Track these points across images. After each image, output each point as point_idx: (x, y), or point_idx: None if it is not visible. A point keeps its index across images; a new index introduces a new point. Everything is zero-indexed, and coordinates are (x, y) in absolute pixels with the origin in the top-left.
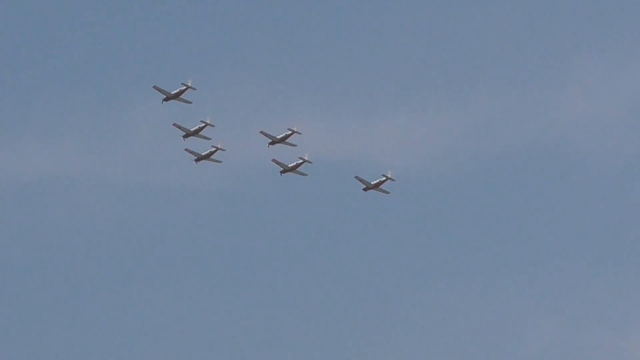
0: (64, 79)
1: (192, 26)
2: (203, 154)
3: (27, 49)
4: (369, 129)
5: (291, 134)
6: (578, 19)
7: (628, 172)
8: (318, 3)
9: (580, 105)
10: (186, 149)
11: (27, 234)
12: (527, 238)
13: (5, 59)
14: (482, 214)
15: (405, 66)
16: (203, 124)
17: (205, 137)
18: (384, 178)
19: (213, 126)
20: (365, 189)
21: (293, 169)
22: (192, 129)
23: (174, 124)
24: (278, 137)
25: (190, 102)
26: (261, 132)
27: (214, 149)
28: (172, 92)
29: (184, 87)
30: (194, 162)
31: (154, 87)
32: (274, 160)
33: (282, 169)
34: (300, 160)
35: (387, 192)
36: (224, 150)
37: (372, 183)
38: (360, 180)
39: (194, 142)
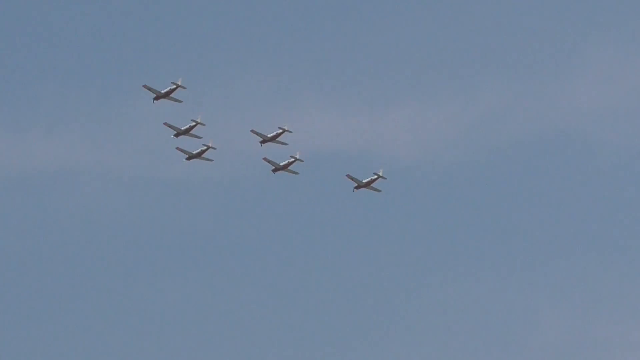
0: (69, 72)
1: (192, 23)
2: (194, 152)
3: (31, 41)
4: (377, 120)
5: (282, 133)
6: (589, 6)
7: None
8: None
9: (591, 94)
10: (177, 148)
11: (32, 227)
12: (537, 229)
13: (11, 53)
14: (492, 205)
15: (414, 56)
16: (194, 123)
17: (196, 136)
18: (376, 176)
19: (204, 125)
20: (356, 188)
21: (284, 167)
22: (182, 128)
23: (165, 123)
24: (269, 135)
25: (180, 101)
26: (252, 131)
27: (205, 147)
28: (162, 91)
29: (174, 86)
30: (185, 161)
31: (144, 86)
32: (265, 158)
33: (273, 167)
34: (292, 159)
35: (379, 191)
36: (215, 148)
37: (364, 181)
38: (352, 178)
39: (185, 141)
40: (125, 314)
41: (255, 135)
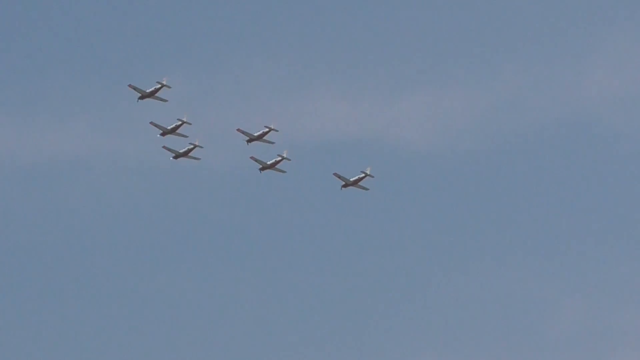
0: (77, 60)
1: (202, 12)
2: (181, 151)
3: (39, 31)
4: (391, 108)
5: (268, 132)
6: None
7: None
8: None
9: (609, 80)
10: (164, 147)
11: (40, 216)
12: (555, 216)
13: (19, 43)
14: (508, 193)
15: (428, 42)
16: (180, 122)
17: (182, 135)
18: (363, 175)
19: (190, 124)
20: (344, 186)
21: (272, 166)
22: (169, 127)
23: (151, 123)
24: (255, 134)
25: (166, 100)
26: (238, 130)
27: (191, 146)
28: (147, 91)
29: (159, 86)
30: (172, 160)
31: (129, 85)
32: (252, 157)
33: (260, 166)
34: (279, 158)
35: (367, 189)
36: (202, 147)
37: (351, 180)
38: (339, 177)
39: (171, 140)
40: (127, 303)
41: (242, 135)
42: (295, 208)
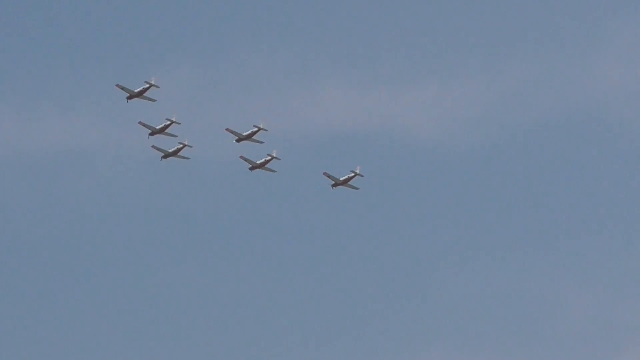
0: (83, 50)
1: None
2: (170, 150)
3: (44, 20)
4: (398, 99)
5: (257, 131)
6: None
7: None
8: None
9: (616, 73)
10: (153, 146)
11: (45, 206)
12: (562, 209)
13: (24, 32)
14: (516, 185)
15: (437, 33)
16: (169, 122)
17: (171, 135)
18: (353, 174)
19: (179, 124)
20: (334, 185)
21: (262, 165)
22: (157, 127)
23: (140, 122)
24: (244, 134)
25: (154, 100)
26: (227, 130)
27: (181, 145)
28: (136, 90)
29: (147, 85)
30: (161, 160)
31: (117, 85)
32: (242, 157)
33: (250, 165)
34: (269, 157)
35: (357, 188)
36: (191, 146)
37: (341, 179)
38: (329, 176)
39: (160, 140)
40: (130, 293)
41: (231, 134)
42: (303, 201)
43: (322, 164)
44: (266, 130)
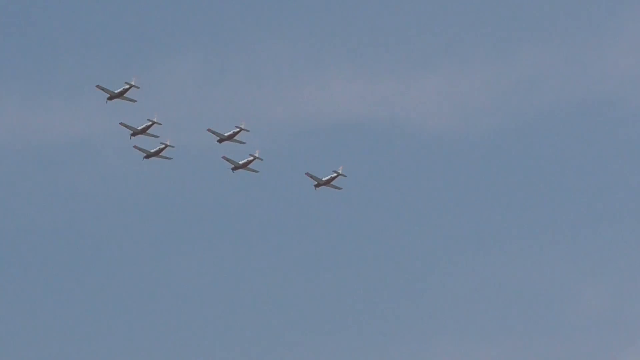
0: (89, 40)
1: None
2: (152, 150)
3: (51, 8)
4: (407, 88)
5: (239, 132)
6: None
7: None
8: None
9: (629, 60)
10: (135, 146)
11: (52, 197)
12: (574, 200)
13: (30, 21)
14: (526, 175)
15: (447, 20)
16: (150, 123)
17: (153, 135)
18: (335, 174)
19: (160, 124)
20: (316, 186)
21: (244, 165)
22: (139, 128)
23: (121, 123)
24: (226, 134)
25: (134, 101)
26: (209, 130)
27: (163, 145)
28: (116, 91)
29: (127, 86)
30: (143, 159)
31: (97, 86)
32: (224, 157)
33: (232, 166)
34: (251, 157)
35: (340, 188)
36: (173, 147)
37: (324, 179)
38: (311, 176)
39: (142, 141)
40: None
41: (212, 135)
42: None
43: (329, 154)
44: (247, 130)
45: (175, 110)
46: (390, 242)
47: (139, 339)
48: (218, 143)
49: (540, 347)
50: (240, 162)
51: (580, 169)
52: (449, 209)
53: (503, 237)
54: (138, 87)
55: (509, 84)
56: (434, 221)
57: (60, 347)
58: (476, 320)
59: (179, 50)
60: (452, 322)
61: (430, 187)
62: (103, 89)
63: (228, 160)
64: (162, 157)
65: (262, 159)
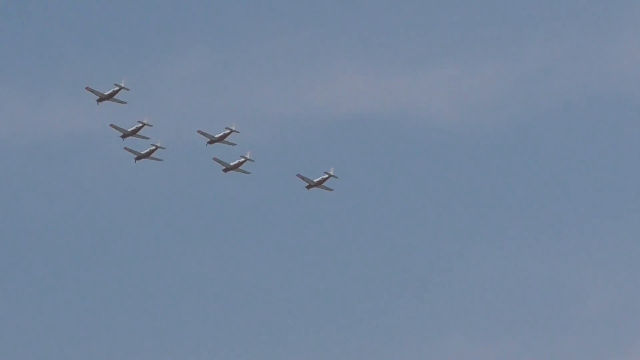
0: (94, 34)
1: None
2: (143, 152)
3: (54, 2)
4: (416, 81)
5: (229, 133)
6: None
7: None
8: None
9: (638, 54)
10: (125, 148)
11: (53, 191)
12: (583, 192)
13: (34, 16)
14: (535, 168)
15: (456, 12)
16: (140, 124)
17: (143, 137)
18: (327, 175)
19: (151, 126)
20: (308, 187)
21: (235, 167)
22: (129, 129)
23: (111, 125)
24: (216, 136)
25: (124, 103)
26: (199, 132)
27: (153, 147)
28: (105, 93)
29: (117, 88)
30: (134, 161)
31: (87, 88)
32: (215, 158)
33: (224, 167)
34: (242, 159)
35: (331, 190)
36: (164, 148)
37: (315, 181)
38: (303, 178)
39: (133, 142)
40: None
41: (202, 136)
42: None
43: (337, 148)
44: (238, 132)
45: (170, 110)
46: (397, 237)
47: (132, 336)
48: (209, 145)
49: (546, 344)
50: (231, 164)
51: (588, 164)
52: (455, 203)
53: (509, 232)
54: (128, 89)
55: (517, 77)
56: (439, 216)
57: (51, 344)
58: (482, 318)
59: (183, 45)
60: (457, 318)
61: (437, 182)
62: (92, 91)
63: (219, 161)
64: (152, 158)
65: (253, 160)
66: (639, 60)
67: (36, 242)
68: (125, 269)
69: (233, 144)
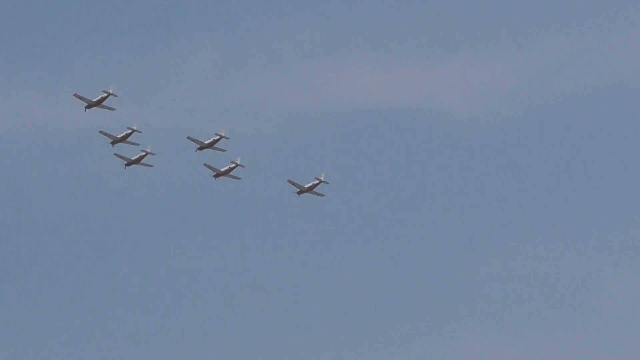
0: (100, 30)
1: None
2: (133, 158)
3: (61, 3)
4: (430, 74)
5: (219, 139)
6: None
7: None
8: None
9: None
10: (115, 154)
11: (61, 186)
12: (601, 186)
13: (45, 12)
14: (552, 161)
15: (469, 6)
16: (130, 131)
17: (133, 143)
18: (317, 181)
19: (140, 132)
20: (299, 193)
21: (225, 173)
22: (119, 136)
23: (101, 132)
24: (206, 142)
25: (113, 109)
26: (188, 138)
27: (143, 153)
28: (94, 100)
29: (105, 94)
30: (125, 167)
31: (75, 95)
32: (205, 164)
33: (214, 173)
34: (233, 165)
35: (322, 195)
36: (154, 154)
37: (305, 186)
38: (293, 183)
39: (123, 149)
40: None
41: (192, 142)
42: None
43: (349, 142)
44: (228, 138)
45: (180, 105)
46: (413, 229)
47: (128, 337)
48: (199, 151)
49: (568, 339)
50: (222, 170)
51: (606, 157)
52: (471, 197)
53: (529, 227)
54: (116, 96)
55: (533, 70)
56: (458, 209)
57: (51, 344)
58: (503, 313)
59: (195, 40)
60: (478, 311)
61: (451, 175)
62: (81, 98)
63: (209, 167)
64: (143, 164)
65: (243, 166)
66: None
67: (41, 239)
68: (123, 272)
69: (223, 150)
